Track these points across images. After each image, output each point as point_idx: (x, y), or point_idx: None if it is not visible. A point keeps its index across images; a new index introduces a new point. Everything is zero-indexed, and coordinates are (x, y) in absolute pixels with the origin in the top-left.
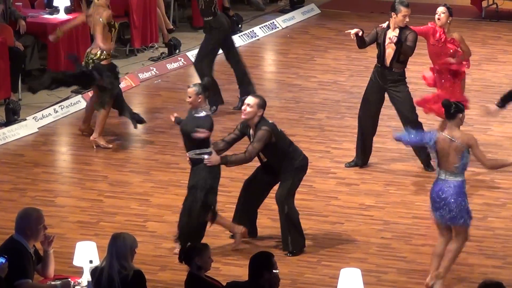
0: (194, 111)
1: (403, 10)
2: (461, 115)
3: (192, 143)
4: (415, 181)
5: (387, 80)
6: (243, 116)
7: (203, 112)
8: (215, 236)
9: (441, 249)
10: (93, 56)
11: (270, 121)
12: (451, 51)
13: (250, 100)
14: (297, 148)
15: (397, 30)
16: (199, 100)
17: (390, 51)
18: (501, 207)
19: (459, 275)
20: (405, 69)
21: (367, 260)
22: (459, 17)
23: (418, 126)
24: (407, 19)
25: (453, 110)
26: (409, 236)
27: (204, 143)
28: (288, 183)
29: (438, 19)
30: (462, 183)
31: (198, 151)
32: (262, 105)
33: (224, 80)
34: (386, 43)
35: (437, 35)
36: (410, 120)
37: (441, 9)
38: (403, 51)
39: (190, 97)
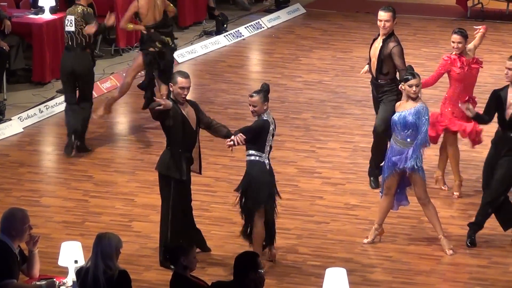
0: (257, 118)
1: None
2: None
3: (250, 144)
4: None
5: (378, 91)
6: None
7: (265, 116)
8: None
9: None
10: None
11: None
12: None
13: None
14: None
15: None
16: (265, 107)
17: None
18: None
19: (445, 275)
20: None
21: (352, 260)
22: (445, 16)
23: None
24: (383, 24)
25: None
26: (394, 236)
27: (257, 142)
28: None
29: (457, 48)
30: None
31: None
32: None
33: (209, 79)
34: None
35: (458, 64)
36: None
37: (457, 38)
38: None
39: (255, 106)
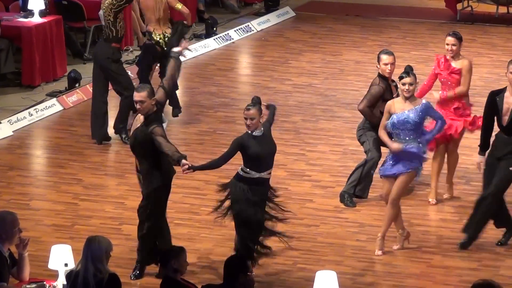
0: (254, 131)
1: (383, 59)
2: None
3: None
4: None
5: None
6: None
7: (259, 131)
8: (190, 239)
9: None
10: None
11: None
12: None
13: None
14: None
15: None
16: (262, 120)
17: None
18: None
19: (435, 278)
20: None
21: (342, 263)
22: (434, 19)
23: None
24: (389, 67)
25: None
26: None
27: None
28: None
29: (451, 50)
30: None
31: None
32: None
33: (199, 83)
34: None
35: (441, 65)
36: None
37: (451, 41)
38: None
39: (253, 119)
